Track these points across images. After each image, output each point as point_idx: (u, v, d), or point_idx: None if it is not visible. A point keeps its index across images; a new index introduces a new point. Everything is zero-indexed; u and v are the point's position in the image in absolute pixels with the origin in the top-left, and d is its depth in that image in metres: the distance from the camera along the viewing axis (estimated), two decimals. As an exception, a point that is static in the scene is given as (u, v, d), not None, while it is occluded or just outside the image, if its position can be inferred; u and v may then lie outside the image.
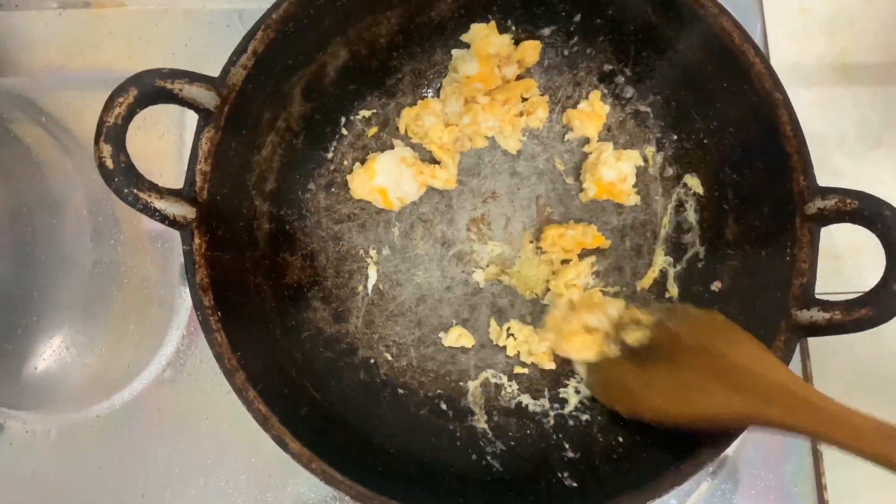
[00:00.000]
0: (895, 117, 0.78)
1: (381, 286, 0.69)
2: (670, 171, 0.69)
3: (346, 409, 0.61)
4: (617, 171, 0.68)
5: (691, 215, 0.67)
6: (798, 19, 0.81)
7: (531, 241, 0.70)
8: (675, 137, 0.68)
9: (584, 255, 0.69)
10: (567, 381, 0.67)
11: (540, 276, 0.69)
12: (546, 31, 0.69)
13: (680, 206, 0.68)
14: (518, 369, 0.67)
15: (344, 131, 0.70)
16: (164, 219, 0.51)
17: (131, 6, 0.79)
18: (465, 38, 0.69)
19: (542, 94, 0.71)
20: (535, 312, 0.69)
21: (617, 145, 0.70)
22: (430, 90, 0.72)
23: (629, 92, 0.70)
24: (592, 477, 0.58)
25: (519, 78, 0.71)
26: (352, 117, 0.70)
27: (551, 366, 0.67)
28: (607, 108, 0.70)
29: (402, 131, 0.71)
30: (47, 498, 0.69)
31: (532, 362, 0.67)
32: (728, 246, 0.63)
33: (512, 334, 0.67)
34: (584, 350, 0.64)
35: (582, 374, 0.65)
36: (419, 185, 0.69)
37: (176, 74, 0.51)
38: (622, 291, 0.69)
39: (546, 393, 0.67)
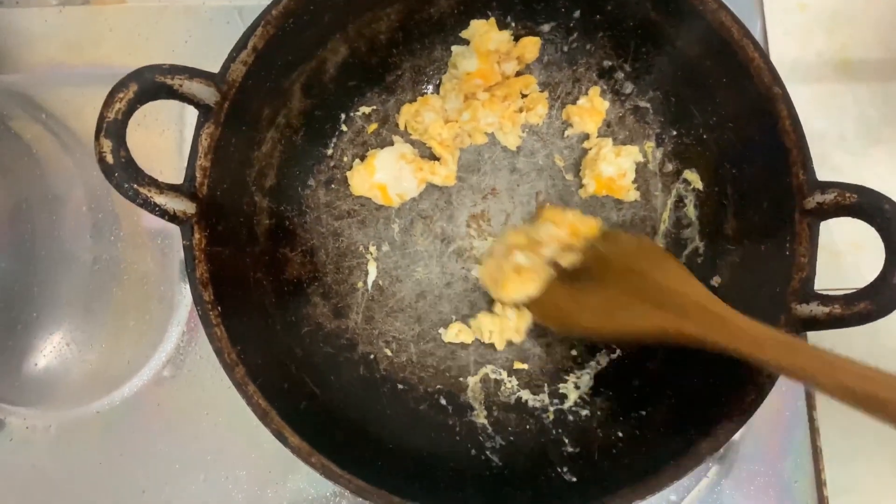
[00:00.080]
0: (894, 114, 0.78)
1: (380, 282, 0.69)
2: (670, 167, 0.69)
3: (346, 404, 0.61)
4: (616, 167, 0.68)
5: (691, 210, 0.67)
6: (798, 16, 0.81)
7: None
8: (675, 133, 0.68)
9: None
10: (567, 377, 0.67)
11: None
12: (545, 28, 0.69)
13: (679, 201, 0.68)
14: (518, 365, 0.67)
15: (344, 128, 0.71)
16: (164, 214, 0.51)
17: (131, 3, 0.79)
18: (464, 34, 0.69)
19: (541, 91, 0.71)
20: (535, 308, 0.69)
21: (616, 141, 0.70)
22: (429, 86, 0.72)
23: (628, 88, 0.70)
24: (592, 472, 0.58)
25: (518, 74, 0.71)
26: (351, 114, 0.71)
27: (521, 337, 0.67)
28: (607, 104, 0.70)
29: (401, 128, 0.71)
30: (47, 493, 0.70)
31: (508, 340, 0.67)
32: (727, 241, 0.63)
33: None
34: (522, 290, 0.65)
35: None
36: (419, 182, 0.69)
37: (176, 70, 0.51)
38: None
39: (545, 388, 0.67)
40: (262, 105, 0.60)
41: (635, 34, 0.66)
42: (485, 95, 0.69)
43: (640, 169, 0.70)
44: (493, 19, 0.68)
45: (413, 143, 0.71)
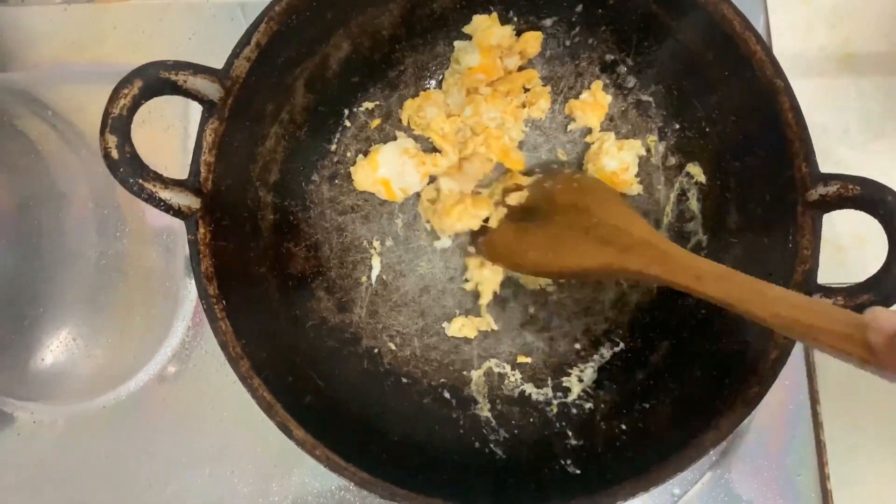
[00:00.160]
0: (898, 107, 0.78)
1: (384, 277, 0.69)
2: (672, 161, 0.69)
3: (350, 397, 0.62)
4: (619, 161, 0.68)
5: (694, 204, 0.67)
6: (801, 10, 0.81)
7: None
8: (677, 126, 0.68)
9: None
10: (570, 371, 0.67)
11: None
12: (548, 22, 0.69)
13: (682, 194, 0.68)
14: (521, 359, 0.68)
15: (347, 123, 0.71)
16: (168, 209, 0.52)
17: (135, 0, 0.79)
18: (466, 29, 0.69)
19: (544, 85, 0.71)
20: (540, 303, 0.69)
21: (619, 135, 0.70)
22: (432, 82, 0.72)
23: (631, 82, 0.70)
24: (595, 464, 0.58)
25: (521, 69, 0.71)
26: (355, 109, 0.71)
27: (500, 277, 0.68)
28: (609, 98, 0.70)
29: (404, 123, 0.71)
30: (54, 487, 0.70)
31: (476, 285, 0.68)
32: (730, 234, 0.63)
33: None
34: (465, 219, 0.67)
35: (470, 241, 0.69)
36: (422, 177, 0.70)
37: (180, 66, 0.52)
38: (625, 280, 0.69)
39: (549, 382, 0.67)
40: (265, 101, 0.60)
41: (637, 28, 0.66)
42: (487, 90, 0.69)
43: (643, 163, 0.70)
44: (495, 14, 0.68)
45: (416, 138, 0.71)
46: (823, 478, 0.69)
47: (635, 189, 0.69)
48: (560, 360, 0.68)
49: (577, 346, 0.68)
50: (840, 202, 0.52)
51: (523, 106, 0.71)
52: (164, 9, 0.79)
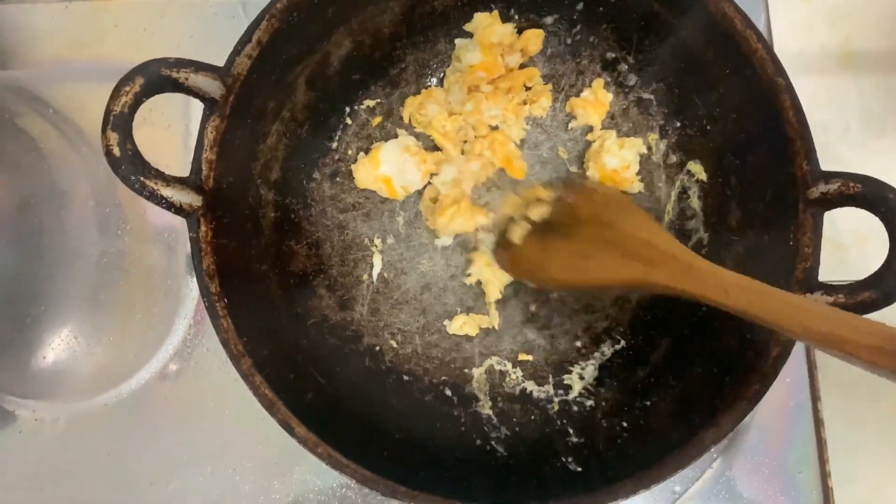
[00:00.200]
0: (899, 105, 0.78)
1: (385, 274, 0.70)
2: (673, 158, 0.69)
3: (352, 394, 0.62)
4: (620, 159, 0.68)
5: (695, 202, 0.67)
6: (802, 8, 0.81)
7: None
8: (678, 124, 0.68)
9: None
10: (571, 368, 0.67)
11: None
12: (549, 20, 0.69)
13: (683, 192, 0.68)
14: (522, 356, 0.68)
15: (348, 121, 0.71)
16: (170, 206, 0.52)
17: (136, -2, 0.79)
18: (468, 27, 0.69)
19: (545, 83, 0.71)
20: (540, 301, 0.69)
21: (620, 133, 0.70)
22: (433, 79, 0.72)
23: (632, 80, 0.70)
24: (596, 461, 0.58)
25: (522, 67, 0.71)
26: (356, 107, 0.71)
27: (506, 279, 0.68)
28: (610, 96, 0.70)
29: (405, 121, 0.72)
30: (56, 485, 0.70)
31: (479, 281, 0.68)
32: (731, 232, 0.63)
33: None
34: (457, 221, 0.67)
35: (493, 257, 0.68)
36: (423, 174, 0.70)
37: (181, 63, 0.52)
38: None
39: (550, 379, 0.67)
40: (266, 98, 0.60)
41: (638, 26, 0.66)
42: (488, 88, 0.69)
43: (644, 161, 0.70)
44: (496, 12, 0.68)
45: (417, 135, 0.71)
46: (824, 475, 0.69)
47: (636, 187, 0.69)
48: (561, 357, 0.68)
49: (578, 343, 0.68)
50: (841, 200, 0.53)
51: (524, 104, 0.71)
52: (165, 7, 0.79)
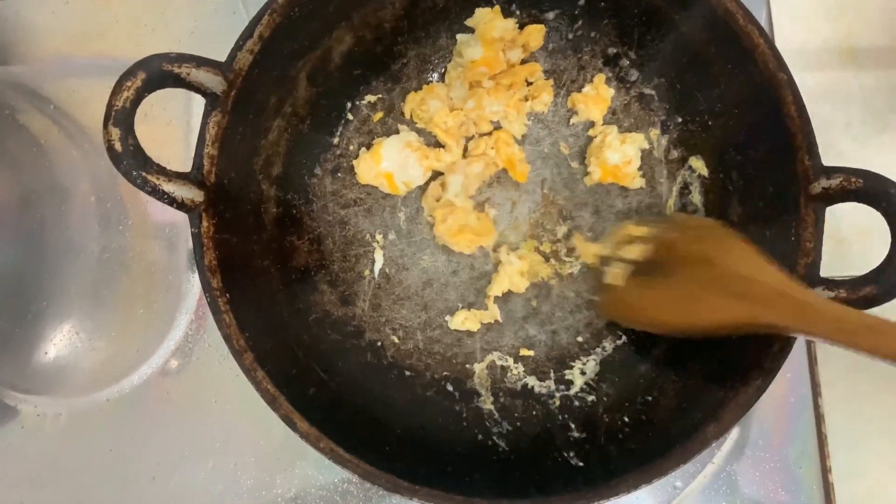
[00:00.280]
0: (901, 101, 0.78)
1: (387, 270, 0.70)
2: (675, 154, 0.69)
3: (354, 390, 0.62)
4: (622, 155, 0.68)
5: (696, 197, 0.67)
6: (803, 3, 0.81)
7: (533, 241, 0.70)
8: (680, 120, 0.68)
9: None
10: (573, 364, 0.67)
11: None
12: (550, 15, 0.69)
13: (685, 188, 0.68)
14: (524, 352, 0.68)
15: (350, 116, 0.71)
16: (172, 202, 0.52)
17: (137, -6, 0.79)
18: (469, 22, 0.69)
19: (546, 78, 0.71)
20: (541, 296, 0.69)
21: (622, 128, 0.70)
22: (434, 75, 0.72)
23: (634, 75, 0.70)
24: (598, 456, 0.59)
25: (523, 62, 0.71)
26: (357, 102, 0.71)
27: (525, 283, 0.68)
28: (612, 91, 0.70)
29: (407, 116, 0.71)
30: (58, 480, 0.70)
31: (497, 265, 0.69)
32: (733, 227, 0.62)
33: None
34: (464, 242, 0.67)
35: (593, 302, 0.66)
36: (425, 170, 0.70)
37: (183, 59, 0.52)
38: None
39: (552, 375, 0.67)
40: (268, 94, 0.60)
41: (640, 21, 0.66)
42: (490, 83, 0.69)
43: (646, 156, 0.70)
44: (497, 7, 0.68)
45: (419, 131, 0.71)
46: (825, 470, 0.69)
47: (637, 183, 0.69)
48: (562, 352, 0.68)
49: (580, 339, 0.68)
50: (843, 195, 0.53)
51: (526, 99, 0.71)
52: (166, 2, 0.79)
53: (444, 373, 0.67)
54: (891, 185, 0.50)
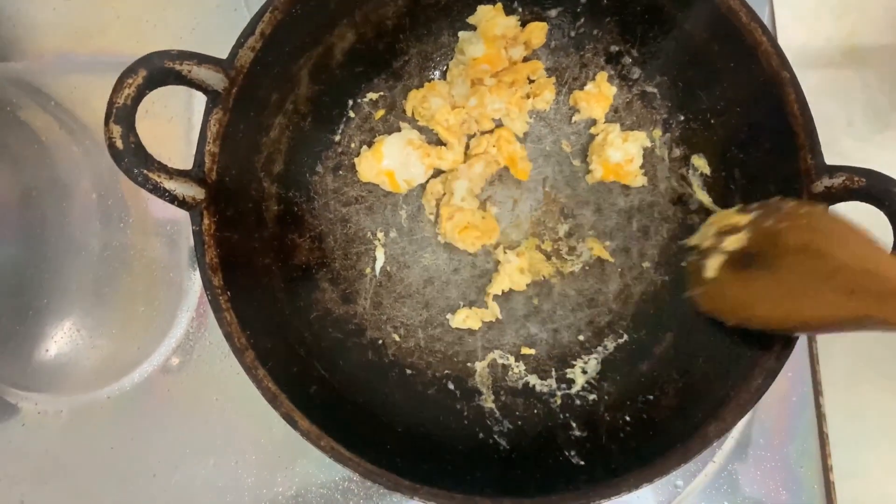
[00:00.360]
0: (903, 99, 0.78)
1: (388, 268, 0.69)
2: (677, 152, 0.69)
3: (355, 388, 0.62)
4: (624, 153, 0.68)
5: (698, 196, 0.67)
6: (806, 1, 0.80)
7: (534, 239, 0.70)
8: (682, 118, 0.68)
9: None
10: (574, 362, 0.67)
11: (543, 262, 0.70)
12: (552, 13, 0.69)
13: (687, 186, 0.68)
14: (525, 350, 0.68)
15: (351, 114, 0.71)
16: (173, 199, 0.52)
17: (138, -10, 0.79)
18: (471, 19, 0.69)
19: (548, 76, 0.71)
20: (542, 294, 0.69)
21: (624, 126, 0.70)
22: (436, 72, 0.72)
23: (636, 73, 0.70)
24: (599, 455, 0.58)
25: (525, 60, 0.71)
26: (359, 100, 0.71)
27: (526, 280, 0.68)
28: (614, 89, 0.70)
29: (408, 114, 0.71)
30: (59, 477, 0.70)
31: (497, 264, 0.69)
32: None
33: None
34: (470, 240, 0.66)
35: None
36: (426, 168, 0.70)
37: (184, 56, 0.52)
38: (629, 272, 0.69)
39: (553, 373, 0.67)
40: (270, 91, 0.60)
41: (643, 18, 0.65)
42: (492, 81, 0.69)
43: (648, 154, 0.70)
44: (499, 4, 0.68)
45: (420, 129, 0.71)
46: (826, 469, 0.69)
47: (639, 181, 0.69)
48: (564, 351, 0.68)
49: (581, 337, 0.68)
50: (845, 194, 0.53)
51: (528, 97, 0.70)
52: (167, -1, 0.79)
53: (446, 371, 0.67)
54: (893, 184, 0.50)
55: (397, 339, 0.68)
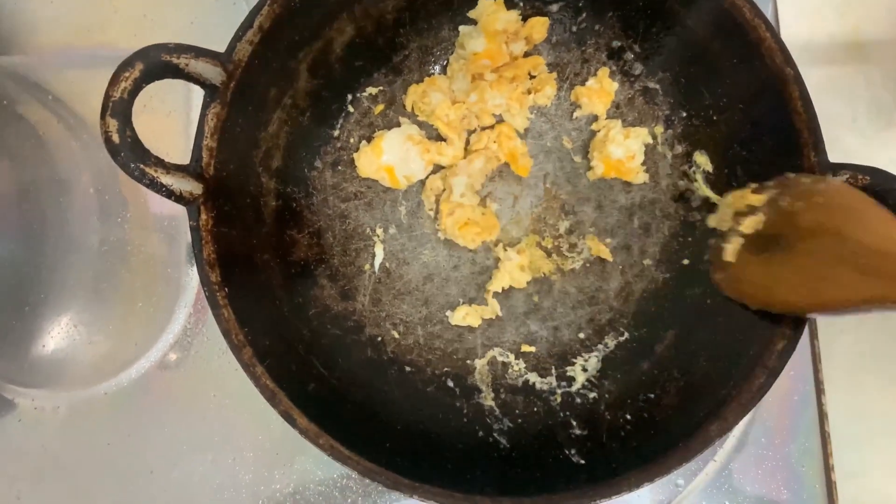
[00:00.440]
0: (907, 96, 0.77)
1: (387, 264, 0.69)
2: (679, 149, 0.68)
3: (354, 385, 0.61)
4: (625, 149, 0.67)
5: (700, 192, 0.67)
6: (810, -3, 0.80)
7: (535, 236, 0.69)
8: (684, 114, 0.68)
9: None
10: (574, 360, 0.67)
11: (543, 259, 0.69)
12: (554, 7, 0.69)
13: (689, 183, 0.68)
14: (525, 348, 0.67)
15: (350, 109, 0.70)
16: (170, 194, 0.51)
17: (137, -15, 0.79)
18: (472, 14, 0.68)
19: (550, 71, 0.71)
20: (542, 292, 0.69)
21: (625, 123, 0.69)
22: (436, 67, 0.71)
23: (638, 69, 0.69)
24: (600, 454, 0.58)
25: (527, 55, 0.70)
26: (358, 94, 0.70)
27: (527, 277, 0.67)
28: (616, 85, 0.70)
29: (408, 109, 0.71)
30: (57, 473, 0.70)
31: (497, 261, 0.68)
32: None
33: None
34: (470, 235, 0.65)
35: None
36: (426, 164, 0.69)
37: (182, 49, 0.51)
38: (630, 270, 0.68)
39: (553, 371, 0.67)
40: (268, 85, 0.60)
41: (645, 14, 0.65)
42: (492, 76, 0.69)
43: (650, 151, 0.69)
44: (501, -1, 0.68)
45: (420, 124, 0.71)
46: (828, 469, 0.69)
47: (641, 178, 0.69)
48: (564, 349, 0.67)
49: (582, 335, 0.68)
50: (850, 192, 0.52)
51: (529, 92, 0.70)
52: (166, -7, 0.78)
53: (445, 369, 0.67)
54: (898, 181, 0.50)
55: (396, 336, 0.67)
